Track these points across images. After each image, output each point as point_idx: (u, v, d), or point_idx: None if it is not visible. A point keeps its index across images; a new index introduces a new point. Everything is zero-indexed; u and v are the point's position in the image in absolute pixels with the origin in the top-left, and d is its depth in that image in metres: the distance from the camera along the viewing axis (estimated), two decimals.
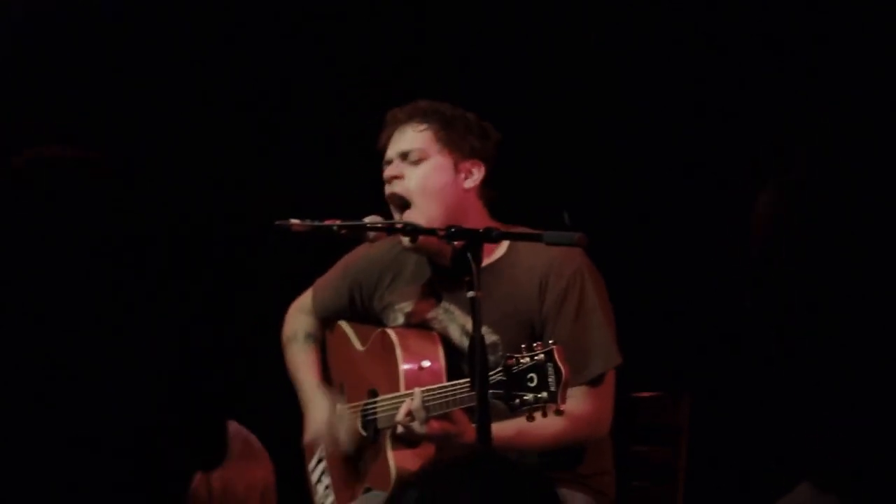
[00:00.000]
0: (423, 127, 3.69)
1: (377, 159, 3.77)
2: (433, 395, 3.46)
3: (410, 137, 3.70)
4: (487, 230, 3.37)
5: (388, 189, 3.70)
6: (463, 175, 3.69)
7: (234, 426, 2.36)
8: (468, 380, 3.36)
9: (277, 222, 3.47)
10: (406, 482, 1.76)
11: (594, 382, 3.59)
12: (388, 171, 3.70)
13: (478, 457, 1.85)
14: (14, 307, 1.18)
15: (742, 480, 4.40)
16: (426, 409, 3.45)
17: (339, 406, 3.83)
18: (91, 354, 1.18)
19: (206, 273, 1.21)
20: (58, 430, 1.18)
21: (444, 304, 3.75)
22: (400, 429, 3.50)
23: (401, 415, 3.48)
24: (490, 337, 3.59)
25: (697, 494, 3.96)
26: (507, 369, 3.29)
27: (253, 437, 2.66)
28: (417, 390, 3.47)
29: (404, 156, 3.69)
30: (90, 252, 1.19)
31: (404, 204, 3.68)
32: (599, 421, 3.63)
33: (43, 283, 1.18)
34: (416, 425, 3.46)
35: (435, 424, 3.46)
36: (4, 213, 1.22)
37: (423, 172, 3.67)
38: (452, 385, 3.44)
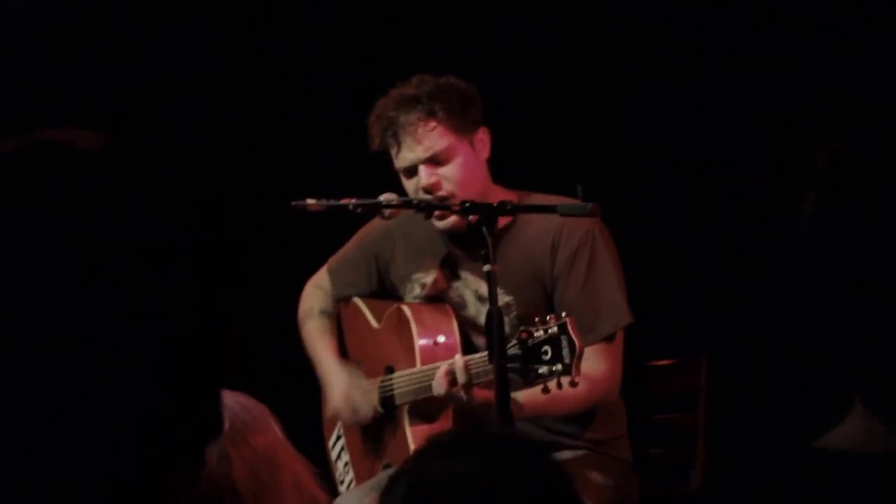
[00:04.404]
0: (432, 124, 3.58)
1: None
2: (474, 364, 3.42)
3: (428, 141, 3.59)
4: (502, 203, 3.37)
5: (428, 197, 3.58)
6: (479, 148, 3.66)
7: (232, 396, 2.34)
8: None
9: (294, 202, 3.46)
10: (395, 473, 1.63)
11: (605, 342, 3.59)
12: (425, 182, 3.59)
13: (469, 434, 1.69)
14: (18, 291, 1.16)
15: (762, 443, 4.41)
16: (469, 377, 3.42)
17: (357, 379, 3.82)
18: (96, 338, 1.16)
19: (221, 255, 1.20)
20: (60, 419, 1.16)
21: (460, 272, 3.74)
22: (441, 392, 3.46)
23: (443, 387, 3.44)
24: (503, 298, 3.58)
25: (718, 460, 3.97)
26: (521, 342, 3.28)
27: (251, 401, 2.63)
28: (459, 359, 3.43)
29: (431, 160, 3.60)
30: (98, 231, 1.17)
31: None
32: (613, 381, 3.62)
33: (46, 263, 1.16)
34: (461, 393, 3.42)
35: (479, 393, 3.43)
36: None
37: (457, 167, 3.59)
38: (483, 356, 3.39)
